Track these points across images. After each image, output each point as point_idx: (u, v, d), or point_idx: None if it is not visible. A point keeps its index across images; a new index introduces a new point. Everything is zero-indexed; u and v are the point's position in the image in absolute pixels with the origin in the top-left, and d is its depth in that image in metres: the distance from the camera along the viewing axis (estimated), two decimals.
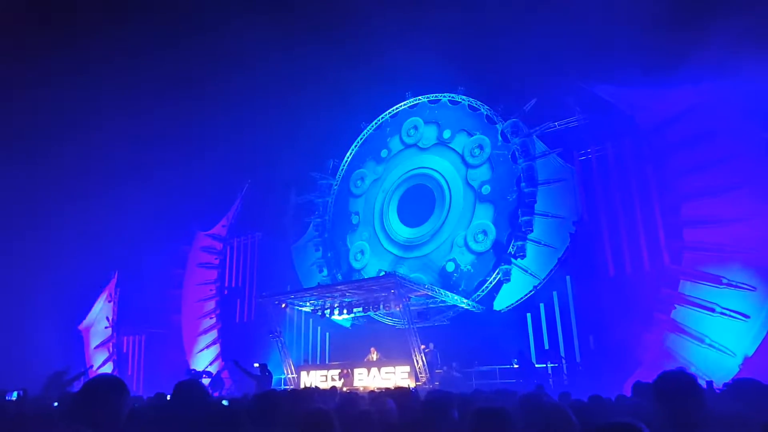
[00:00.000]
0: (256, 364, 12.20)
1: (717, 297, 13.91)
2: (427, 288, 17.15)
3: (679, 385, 2.63)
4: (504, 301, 18.42)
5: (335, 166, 24.90)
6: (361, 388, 14.79)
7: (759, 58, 12.65)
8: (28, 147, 21.85)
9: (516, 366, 15.49)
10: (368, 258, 22.33)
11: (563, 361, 16.22)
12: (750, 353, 12.92)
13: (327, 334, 21.89)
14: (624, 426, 1.84)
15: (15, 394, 8.87)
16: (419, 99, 23.15)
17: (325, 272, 23.14)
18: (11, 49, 19.47)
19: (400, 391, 4.95)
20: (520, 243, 18.35)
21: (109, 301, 26.35)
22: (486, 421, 2.82)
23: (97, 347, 26.09)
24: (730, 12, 12.78)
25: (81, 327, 25.82)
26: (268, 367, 12.09)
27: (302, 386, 16.28)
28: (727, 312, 13.62)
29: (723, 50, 13.05)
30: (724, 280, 13.81)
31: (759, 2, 12.76)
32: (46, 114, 21.38)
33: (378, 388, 13.75)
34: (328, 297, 18.70)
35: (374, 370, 16.33)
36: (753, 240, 13.41)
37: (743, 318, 13.37)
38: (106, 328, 26.08)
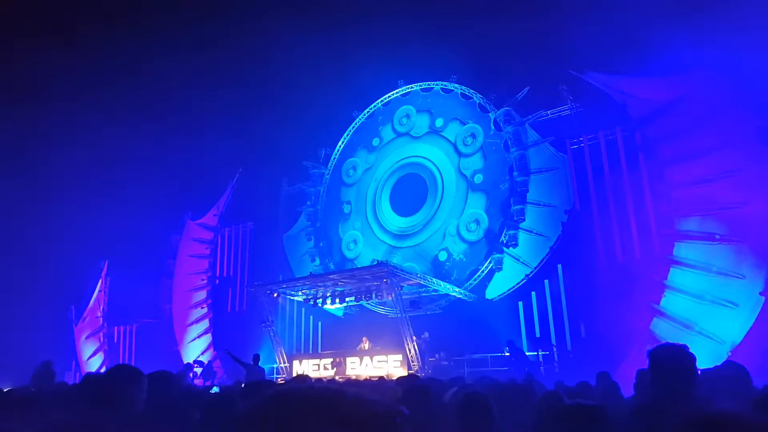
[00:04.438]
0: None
1: (706, 285, 14.04)
2: (420, 277, 17.16)
3: (675, 355, 2.62)
4: (496, 289, 18.49)
5: (327, 155, 24.74)
6: (354, 377, 14.81)
7: (750, 46, 12.67)
8: (24, 144, 21.63)
9: (507, 354, 15.56)
10: (361, 247, 22.28)
11: (554, 349, 16.34)
12: (738, 341, 13.06)
13: (319, 323, 21.88)
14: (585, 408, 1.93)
15: None
16: (412, 87, 22.99)
17: (318, 261, 23.08)
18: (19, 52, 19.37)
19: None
20: (512, 232, 18.38)
21: (100, 291, 26.18)
22: (471, 406, 2.91)
23: (87, 337, 25.95)
24: (722, 1, 12.76)
25: (77, 326, 25.65)
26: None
27: (294, 375, 16.27)
28: (717, 300, 13.75)
29: (715, 38, 13.04)
30: (714, 269, 13.93)
31: None
32: (42, 111, 21.16)
33: (370, 377, 13.78)
34: (321, 286, 18.66)
35: (366, 358, 16.35)
36: (743, 228, 13.51)
37: (732, 306, 13.51)
38: (96, 317, 25.93)
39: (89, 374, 2.79)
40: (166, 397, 3.25)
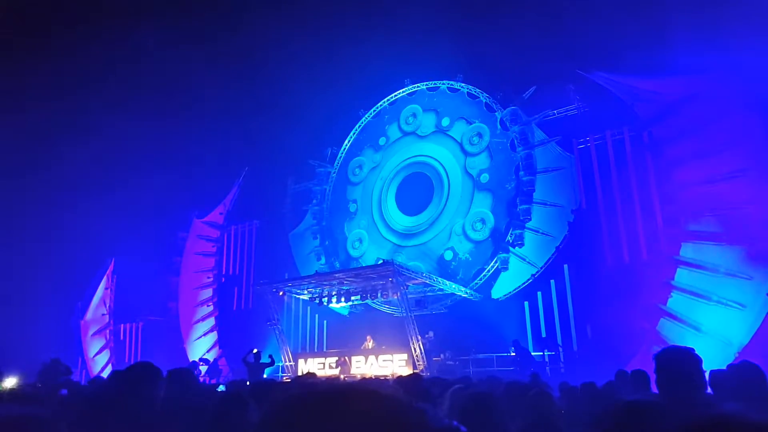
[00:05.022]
0: (255, 350, 12.26)
1: (713, 286, 13.96)
2: (425, 276, 17.14)
3: (681, 357, 2.61)
4: (502, 289, 18.45)
5: (333, 154, 24.76)
6: (359, 376, 14.83)
7: (758, 47, 12.57)
8: (31, 141, 21.77)
9: (513, 354, 15.54)
10: (366, 246, 22.30)
11: (560, 349, 16.28)
12: (745, 342, 12.97)
13: (324, 322, 21.92)
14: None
15: None
16: (418, 86, 22.97)
17: (323, 260, 23.12)
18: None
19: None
20: (518, 231, 18.33)
21: (106, 288, 26.33)
22: (476, 406, 2.90)
23: (94, 334, 26.10)
24: (730, 2, 12.68)
25: (83, 321, 25.82)
26: (263, 357, 12.15)
27: (300, 373, 16.31)
28: (724, 301, 13.67)
29: (722, 39, 12.95)
30: (721, 269, 13.84)
31: None
32: (48, 109, 21.32)
33: (374, 376, 13.80)
34: (326, 285, 18.70)
35: (371, 357, 16.38)
36: (750, 229, 13.41)
37: (739, 307, 13.42)
38: (103, 315, 26.09)
39: (116, 371, 2.81)
40: (185, 394, 3.27)
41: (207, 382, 16.22)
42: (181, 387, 3.21)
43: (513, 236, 18.41)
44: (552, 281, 17.22)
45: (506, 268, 18.47)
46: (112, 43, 20.67)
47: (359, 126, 24.40)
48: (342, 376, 14.94)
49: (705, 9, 13.00)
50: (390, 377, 11.47)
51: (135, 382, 2.52)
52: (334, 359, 17.02)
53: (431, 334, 16.55)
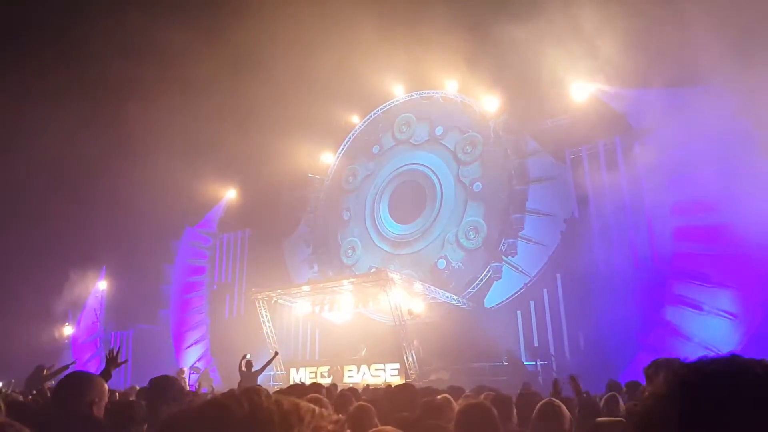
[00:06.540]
0: (248, 355, 12.17)
1: (705, 296, 14.02)
2: (418, 285, 17.10)
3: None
4: (494, 298, 18.45)
5: (327, 162, 24.75)
6: (350, 385, 14.73)
7: (752, 56, 12.73)
8: (23, 147, 21.62)
9: (506, 363, 15.51)
10: (359, 254, 22.25)
11: (552, 359, 16.27)
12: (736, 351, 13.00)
13: (317, 330, 21.79)
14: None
15: None
16: (412, 95, 23.06)
17: (316, 268, 23.03)
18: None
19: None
20: (511, 240, 18.37)
21: (97, 296, 26.07)
22: (471, 416, 2.89)
23: (84, 342, 25.81)
24: (723, 14, 12.84)
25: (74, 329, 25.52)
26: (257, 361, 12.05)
27: (291, 383, 16.18)
28: (715, 311, 13.73)
29: (714, 50, 13.10)
30: (713, 279, 13.91)
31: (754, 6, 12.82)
32: (35, 112, 21.19)
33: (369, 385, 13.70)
34: (319, 293, 18.62)
35: (364, 367, 16.27)
36: (743, 238, 13.48)
37: (730, 317, 13.48)
38: (93, 323, 25.81)
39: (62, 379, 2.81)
40: (165, 402, 3.25)
41: (201, 391, 16.03)
42: (161, 396, 3.20)
43: (506, 245, 18.43)
44: (545, 290, 17.24)
45: (499, 277, 18.47)
46: (106, 48, 20.64)
47: (353, 134, 24.43)
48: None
49: (699, 20, 13.16)
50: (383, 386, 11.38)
51: (61, 394, 2.53)
52: (325, 368, 16.90)
53: (416, 342, 16.39)
